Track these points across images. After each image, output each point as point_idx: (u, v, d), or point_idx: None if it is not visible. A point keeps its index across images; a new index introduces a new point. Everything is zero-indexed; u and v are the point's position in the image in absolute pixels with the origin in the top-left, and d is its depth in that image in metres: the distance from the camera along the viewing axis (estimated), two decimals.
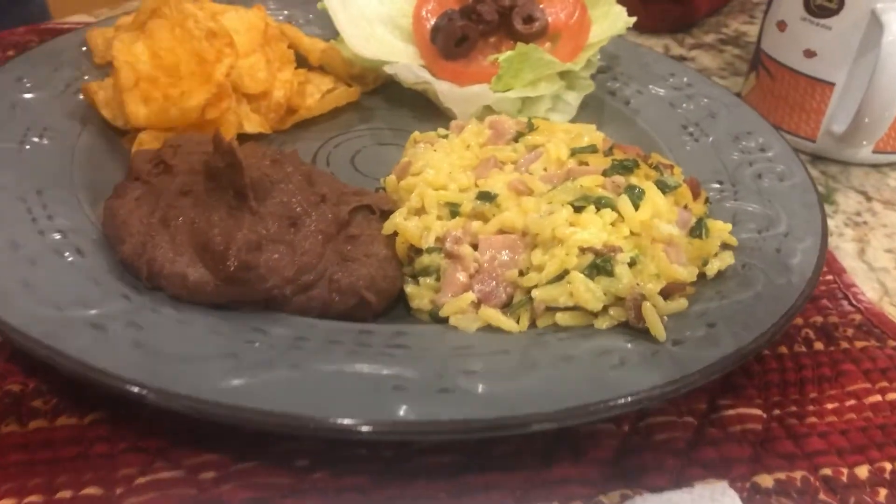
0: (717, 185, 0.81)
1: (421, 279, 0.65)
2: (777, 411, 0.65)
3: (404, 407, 0.51)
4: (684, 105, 0.95)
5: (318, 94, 0.92)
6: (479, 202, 0.67)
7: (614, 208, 0.65)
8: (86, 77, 0.87)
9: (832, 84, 0.94)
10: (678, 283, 0.64)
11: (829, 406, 0.66)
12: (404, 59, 0.94)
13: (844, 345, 0.73)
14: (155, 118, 0.79)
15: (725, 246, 0.71)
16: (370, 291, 0.62)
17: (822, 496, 0.58)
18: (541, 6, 0.94)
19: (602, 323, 0.62)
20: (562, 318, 0.62)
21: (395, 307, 0.66)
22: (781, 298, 0.64)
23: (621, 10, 0.97)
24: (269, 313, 0.60)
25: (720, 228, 0.72)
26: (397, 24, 0.98)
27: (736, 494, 0.56)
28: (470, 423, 0.51)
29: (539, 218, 0.64)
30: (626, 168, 0.70)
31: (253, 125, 0.85)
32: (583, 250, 0.62)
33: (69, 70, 0.87)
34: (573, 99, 0.94)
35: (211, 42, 0.81)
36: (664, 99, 0.96)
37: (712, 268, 0.68)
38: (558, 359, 0.57)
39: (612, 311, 0.62)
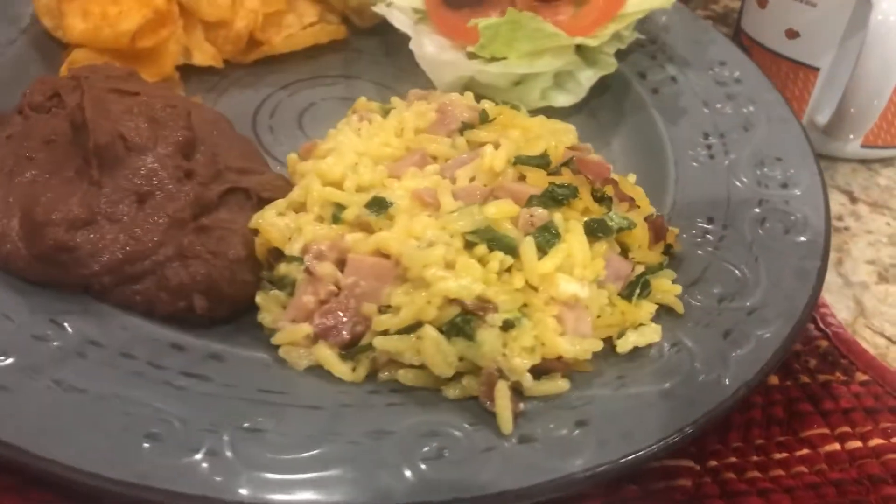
0: (705, 225, 0.66)
1: (273, 291, 0.56)
2: (713, 462, 0.55)
3: (142, 463, 0.44)
4: (719, 106, 0.78)
5: (297, 26, 0.81)
6: (367, 210, 0.57)
7: (514, 252, 0.53)
8: None
9: (816, 69, 0.83)
10: (561, 359, 0.52)
11: (777, 456, 0.56)
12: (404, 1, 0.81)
13: (804, 378, 0.62)
14: (91, 36, 0.72)
15: (670, 309, 0.58)
16: (204, 295, 0.54)
17: None
18: None
19: (451, 392, 0.51)
20: (404, 377, 0.52)
21: (250, 314, 0.57)
22: (695, 403, 0.51)
23: None
24: (84, 302, 0.54)
25: (665, 290, 0.58)
26: None
27: None
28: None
29: (417, 248, 0.53)
30: (555, 199, 0.57)
31: (204, 57, 0.76)
32: (450, 301, 0.51)
33: None
34: (586, 79, 0.79)
35: None
36: (699, 95, 0.80)
37: (625, 343, 0.55)
38: (368, 432, 0.48)
39: (464, 381, 0.51)
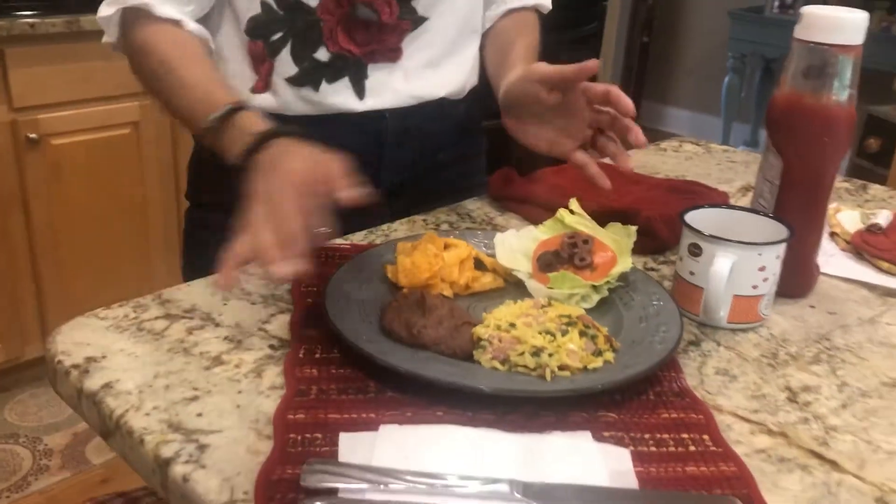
0: (631, 342, 1.82)
1: (480, 349, 1.76)
2: (624, 417, 1.63)
3: (464, 381, 1.61)
4: (650, 310, 1.96)
5: (485, 280, 2.07)
6: (509, 326, 1.77)
7: (554, 336, 1.72)
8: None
9: (702, 288, 1.90)
10: (568, 366, 1.68)
11: (642, 422, 1.60)
12: (524, 269, 2.07)
13: (664, 399, 1.68)
14: (409, 282, 1.99)
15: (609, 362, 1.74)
16: (456, 351, 1.74)
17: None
18: (591, 253, 2.03)
19: (534, 374, 1.67)
20: (522, 370, 1.69)
21: (470, 358, 1.76)
22: (615, 380, 1.65)
23: (631, 260, 2.03)
24: (419, 349, 1.75)
25: (609, 356, 1.74)
26: (527, 253, 2.11)
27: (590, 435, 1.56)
28: (496, 392, 1.60)
29: (526, 332, 1.73)
30: (570, 323, 1.76)
31: (446, 292, 2.02)
32: (533, 346, 1.69)
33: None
34: (595, 298, 1.99)
35: (434, 258, 2.01)
36: (642, 306, 1.98)
37: (590, 367, 1.70)
38: (513, 378, 1.65)
39: (538, 370, 1.67)
